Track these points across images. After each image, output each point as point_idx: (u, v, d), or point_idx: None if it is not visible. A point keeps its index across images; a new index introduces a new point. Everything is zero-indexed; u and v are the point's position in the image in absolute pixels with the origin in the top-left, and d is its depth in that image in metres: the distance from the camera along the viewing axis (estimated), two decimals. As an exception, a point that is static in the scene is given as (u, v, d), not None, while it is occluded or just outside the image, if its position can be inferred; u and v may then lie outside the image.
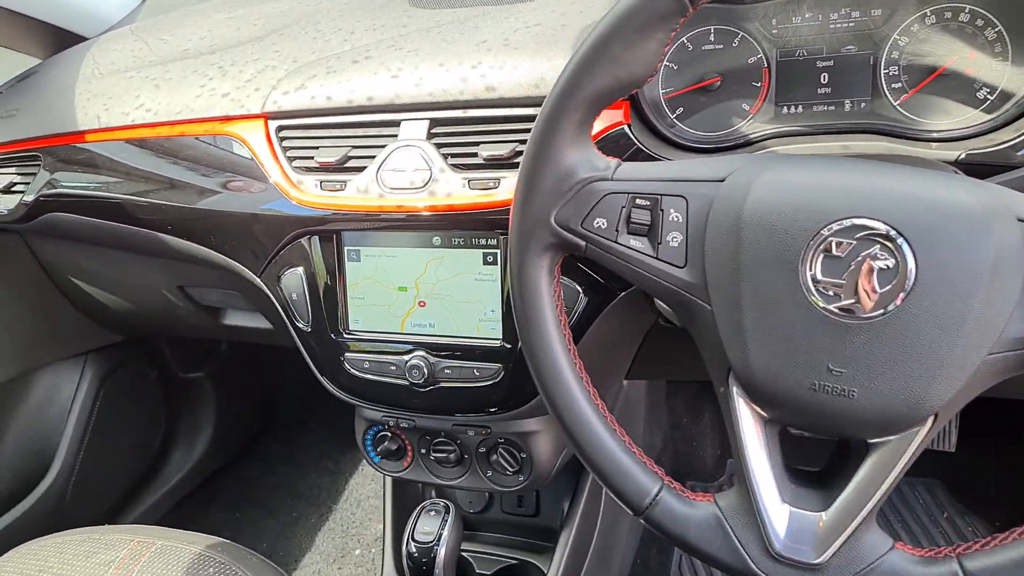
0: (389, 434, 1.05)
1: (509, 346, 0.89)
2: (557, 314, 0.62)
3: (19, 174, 1.15)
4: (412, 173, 0.88)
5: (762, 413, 0.56)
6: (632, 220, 0.57)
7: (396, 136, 0.90)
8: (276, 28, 1.10)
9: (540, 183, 0.59)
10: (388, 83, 0.90)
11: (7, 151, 1.16)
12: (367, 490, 1.69)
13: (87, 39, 1.42)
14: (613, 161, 0.60)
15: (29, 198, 1.14)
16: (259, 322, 1.29)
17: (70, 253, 1.29)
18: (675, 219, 0.57)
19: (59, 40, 1.41)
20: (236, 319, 1.32)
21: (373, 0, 1.10)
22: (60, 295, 1.40)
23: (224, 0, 1.29)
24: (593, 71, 0.56)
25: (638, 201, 0.57)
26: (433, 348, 0.93)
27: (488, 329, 0.91)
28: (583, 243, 0.60)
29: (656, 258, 0.58)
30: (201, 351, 1.73)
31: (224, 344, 1.76)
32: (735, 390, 0.57)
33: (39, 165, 1.12)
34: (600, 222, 0.59)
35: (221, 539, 0.96)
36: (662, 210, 0.57)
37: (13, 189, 1.16)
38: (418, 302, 0.93)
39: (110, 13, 1.48)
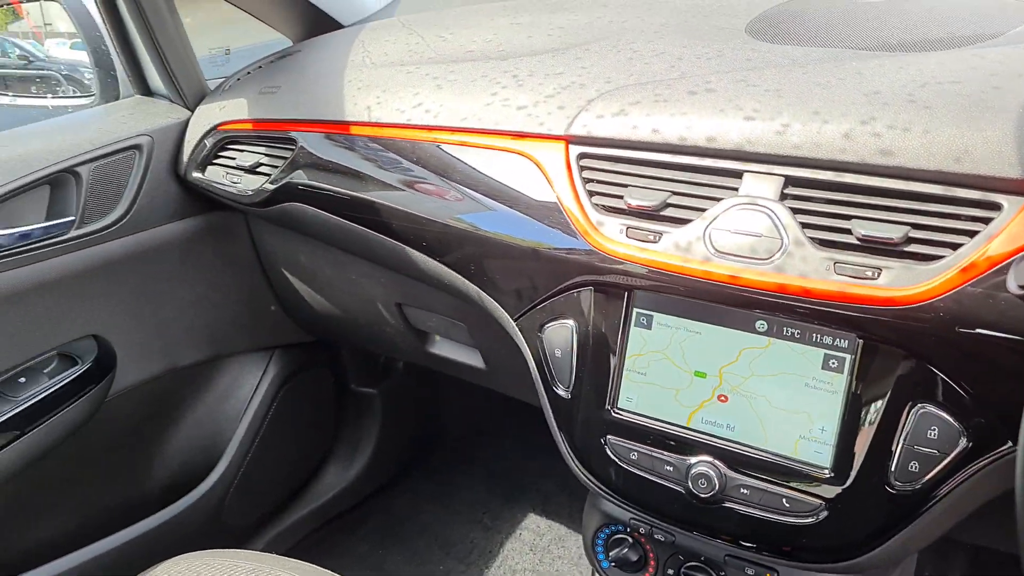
0: (631, 540, 0.86)
1: (841, 481, 0.69)
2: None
3: (268, 155, 1.07)
4: (755, 239, 0.70)
5: None
6: None
7: (736, 190, 0.72)
8: (577, 42, 0.96)
9: None
10: (739, 125, 0.73)
11: (262, 129, 1.08)
12: (524, 561, 1.50)
13: (343, 27, 1.36)
14: None
15: (273, 184, 1.05)
16: (471, 359, 1.15)
17: (292, 245, 1.20)
18: None
19: (314, 23, 1.36)
20: (446, 350, 1.19)
21: (696, 25, 0.94)
22: (266, 284, 1.32)
23: (501, 5, 1.17)
24: None
25: None
26: (727, 457, 0.74)
27: (811, 451, 0.70)
28: None
29: None
30: (379, 365, 1.62)
31: (402, 362, 1.64)
32: None
33: (292, 149, 1.03)
34: None
35: None
36: None
37: (259, 170, 1.07)
38: (718, 395, 0.75)
39: (368, 2, 1.42)
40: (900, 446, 0.66)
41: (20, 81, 1.31)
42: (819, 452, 0.70)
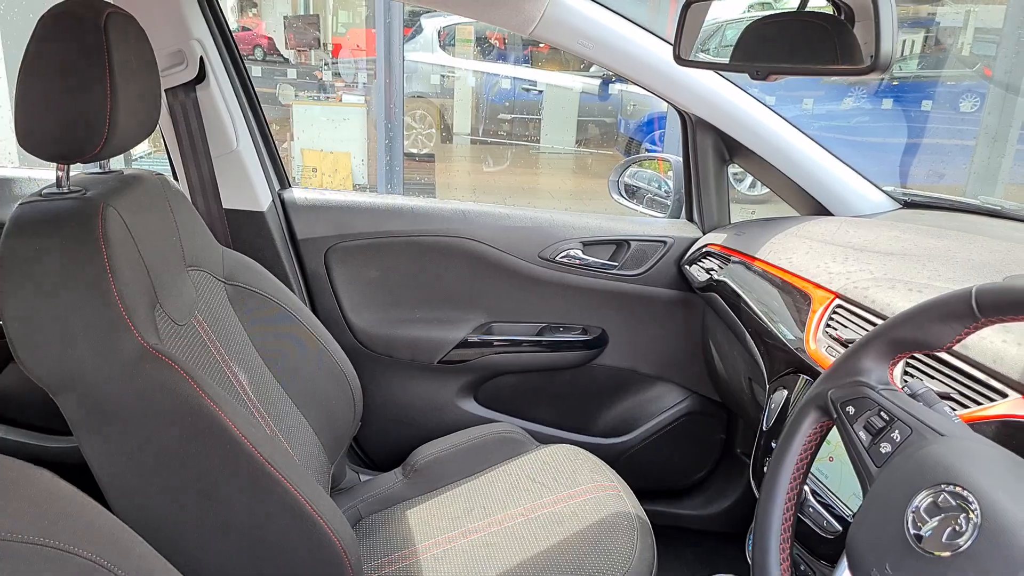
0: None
1: None
2: (797, 454, 0.90)
3: (716, 264, 1.84)
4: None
5: None
6: (869, 421, 0.82)
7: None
8: (911, 253, 1.45)
9: (842, 368, 0.88)
10: (905, 306, 1.19)
11: (720, 250, 1.86)
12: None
13: (834, 216, 1.98)
14: (890, 385, 0.84)
15: (709, 280, 1.82)
16: None
17: (715, 324, 1.94)
18: (895, 437, 0.79)
19: (815, 210, 2.03)
20: (768, 424, 1.74)
21: (985, 263, 1.34)
22: (700, 345, 2.08)
23: (923, 228, 1.63)
24: (901, 326, 0.83)
25: (881, 414, 0.81)
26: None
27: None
28: (836, 416, 0.86)
29: (866, 450, 0.80)
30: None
31: None
32: None
33: (727, 265, 1.79)
34: (850, 408, 0.84)
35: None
36: (893, 427, 0.80)
37: (709, 271, 1.86)
38: (828, 456, 1.21)
39: (860, 207, 2.01)
40: None
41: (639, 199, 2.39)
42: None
